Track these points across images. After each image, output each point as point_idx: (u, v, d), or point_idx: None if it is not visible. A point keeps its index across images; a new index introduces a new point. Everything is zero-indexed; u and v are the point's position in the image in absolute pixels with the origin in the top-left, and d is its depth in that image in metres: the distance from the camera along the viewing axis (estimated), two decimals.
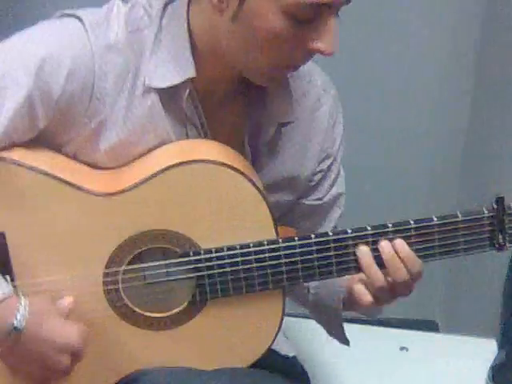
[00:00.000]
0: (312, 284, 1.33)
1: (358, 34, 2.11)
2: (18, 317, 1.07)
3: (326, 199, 1.36)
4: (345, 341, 1.36)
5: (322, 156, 1.33)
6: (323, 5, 1.06)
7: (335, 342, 1.39)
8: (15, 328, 1.07)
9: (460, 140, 2.44)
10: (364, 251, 1.16)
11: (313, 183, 1.35)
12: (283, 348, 1.43)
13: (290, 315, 1.26)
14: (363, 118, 2.21)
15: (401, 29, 2.30)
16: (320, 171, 1.34)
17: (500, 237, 1.17)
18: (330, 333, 1.38)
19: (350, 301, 1.25)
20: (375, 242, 1.16)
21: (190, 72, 1.16)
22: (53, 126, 1.16)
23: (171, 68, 1.16)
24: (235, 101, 1.25)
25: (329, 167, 1.35)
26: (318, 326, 1.43)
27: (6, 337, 1.07)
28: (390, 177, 2.45)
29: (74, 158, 1.19)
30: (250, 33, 1.09)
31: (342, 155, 1.36)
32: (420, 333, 1.88)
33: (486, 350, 1.76)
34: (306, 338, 1.61)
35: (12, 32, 1.16)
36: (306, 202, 1.35)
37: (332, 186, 1.36)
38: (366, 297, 1.18)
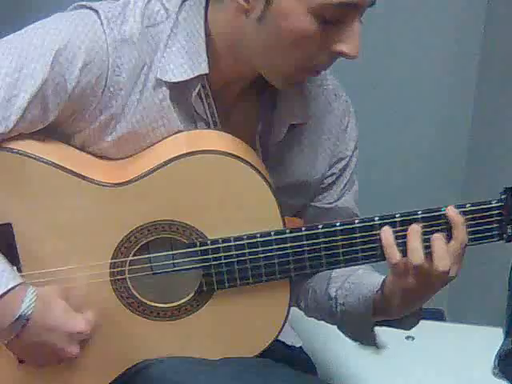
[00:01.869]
0: (340, 294, 1.32)
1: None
2: (25, 305, 1.07)
3: (339, 204, 1.36)
4: (375, 344, 1.33)
5: (333, 160, 1.34)
6: (349, 5, 1.06)
7: (340, 332, 1.39)
8: (21, 316, 1.07)
9: (464, 132, 2.43)
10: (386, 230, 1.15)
11: (324, 185, 1.35)
12: (289, 338, 1.44)
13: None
14: (368, 112, 2.20)
15: (403, 28, 2.30)
16: (332, 174, 1.34)
17: (508, 228, 1.17)
18: (357, 341, 1.36)
19: (382, 304, 1.24)
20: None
21: (203, 68, 1.16)
22: (63, 117, 1.15)
23: (184, 63, 1.16)
24: (248, 101, 1.25)
25: (341, 170, 1.35)
26: None
27: (14, 325, 1.07)
28: (394, 169, 2.45)
29: (82, 148, 1.19)
30: (276, 33, 1.09)
31: (356, 161, 1.36)
32: (426, 322, 1.86)
33: (492, 339, 1.77)
34: (312, 328, 1.60)
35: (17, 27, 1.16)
36: (318, 205, 1.35)
37: (344, 190, 1.36)
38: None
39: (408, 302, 1.21)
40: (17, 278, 1.09)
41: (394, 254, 1.14)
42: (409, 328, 1.32)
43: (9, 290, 1.07)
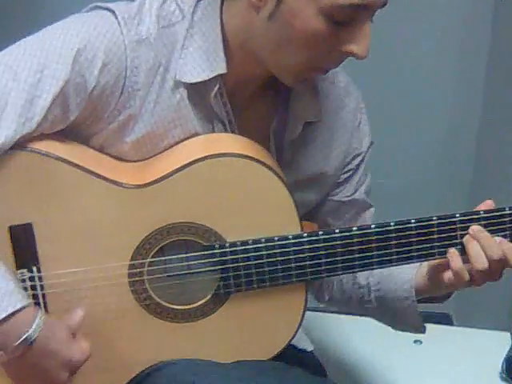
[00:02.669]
0: (372, 282, 1.34)
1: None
2: (34, 326, 1.06)
3: (356, 196, 1.37)
4: (420, 327, 1.34)
5: (349, 156, 1.35)
6: (360, 7, 1.06)
7: (351, 337, 1.39)
8: (28, 337, 1.06)
9: (473, 137, 2.43)
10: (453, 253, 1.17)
11: (340, 180, 1.36)
12: (301, 342, 1.45)
13: (309, 309, 1.27)
14: (374, 115, 2.20)
15: (410, 28, 2.30)
16: (349, 170, 1.36)
17: None
18: (398, 327, 1.37)
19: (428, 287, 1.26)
20: (398, 238, 1.17)
21: (221, 68, 1.16)
22: (82, 118, 1.16)
23: (202, 63, 1.17)
24: (262, 99, 1.26)
25: (357, 166, 1.37)
26: (335, 320, 1.44)
27: (17, 346, 1.06)
28: (400, 174, 2.44)
29: (101, 150, 1.20)
30: (286, 32, 1.09)
31: (369, 155, 1.38)
32: (434, 326, 1.87)
33: (500, 343, 1.77)
34: (323, 332, 1.61)
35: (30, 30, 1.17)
36: (335, 199, 1.37)
37: (360, 183, 1.38)
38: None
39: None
40: (25, 299, 1.08)
41: (465, 276, 1.16)
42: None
43: (16, 311, 1.05)
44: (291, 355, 1.32)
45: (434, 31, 2.33)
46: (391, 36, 2.27)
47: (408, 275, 1.28)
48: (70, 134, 1.18)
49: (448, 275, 1.18)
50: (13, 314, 1.05)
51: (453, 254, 1.17)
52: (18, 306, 1.06)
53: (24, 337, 1.06)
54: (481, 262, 1.15)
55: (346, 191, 1.37)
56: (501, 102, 2.26)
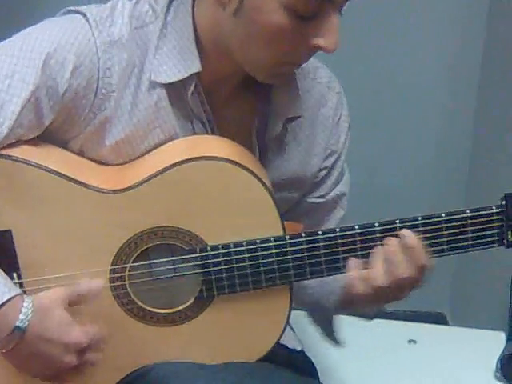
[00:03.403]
0: (310, 284, 1.33)
1: (363, 33, 2.09)
2: (21, 317, 1.06)
3: (328, 197, 1.36)
4: (336, 342, 1.36)
5: (326, 153, 1.33)
6: (325, 0, 1.05)
7: (344, 336, 1.39)
8: (18, 328, 1.06)
9: (468, 136, 2.42)
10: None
11: (317, 180, 1.35)
12: (291, 342, 1.44)
13: (297, 309, 1.26)
14: (371, 114, 2.20)
15: (405, 27, 2.29)
16: (324, 168, 1.34)
17: (509, 234, 1.17)
18: (324, 335, 1.38)
19: (348, 299, 1.25)
20: (383, 239, 1.16)
21: (196, 67, 1.16)
22: (58, 122, 1.15)
23: (177, 63, 1.16)
24: (242, 96, 1.25)
25: (333, 164, 1.35)
26: None
27: (10, 336, 1.06)
28: (396, 173, 2.44)
29: (80, 154, 1.19)
30: (252, 28, 1.08)
31: (346, 153, 1.36)
32: (428, 325, 1.88)
33: (494, 342, 1.78)
34: (314, 331, 1.60)
35: (15, 31, 1.17)
36: (309, 200, 1.35)
37: (336, 183, 1.36)
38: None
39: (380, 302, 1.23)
40: (12, 289, 1.08)
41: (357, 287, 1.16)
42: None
43: (3, 304, 1.06)
44: (281, 355, 1.33)
45: (431, 30, 2.32)
46: (388, 35, 2.27)
47: (338, 288, 1.28)
48: (49, 139, 1.17)
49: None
50: (0, 306, 1.05)
51: (350, 263, 1.16)
52: (5, 298, 1.06)
53: (14, 327, 1.06)
54: (377, 278, 1.14)
55: (321, 190, 1.35)
56: (495, 101, 2.25)
